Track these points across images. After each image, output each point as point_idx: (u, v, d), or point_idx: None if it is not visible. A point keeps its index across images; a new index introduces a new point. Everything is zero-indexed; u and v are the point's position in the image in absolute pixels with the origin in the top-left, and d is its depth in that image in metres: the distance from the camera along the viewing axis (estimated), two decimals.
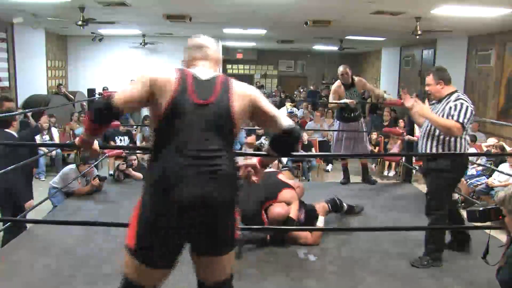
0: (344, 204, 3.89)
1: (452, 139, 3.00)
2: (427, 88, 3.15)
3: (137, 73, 1.77)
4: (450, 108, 2.93)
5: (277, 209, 3.26)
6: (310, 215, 3.52)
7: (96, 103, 1.82)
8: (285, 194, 3.38)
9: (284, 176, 3.67)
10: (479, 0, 5.30)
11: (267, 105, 1.85)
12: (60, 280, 2.73)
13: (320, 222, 3.51)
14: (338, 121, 5.29)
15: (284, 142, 1.91)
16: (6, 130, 3.87)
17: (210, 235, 1.73)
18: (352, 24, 7.88)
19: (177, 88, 1.70)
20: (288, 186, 3.47)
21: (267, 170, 3.52)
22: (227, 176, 1.73)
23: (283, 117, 1.88)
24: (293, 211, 3.34)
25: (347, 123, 5.15)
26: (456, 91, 3.06)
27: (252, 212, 3.24)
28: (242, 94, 1.79)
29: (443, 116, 2.95)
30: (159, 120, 1.70)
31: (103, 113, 1.72)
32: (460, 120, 2.87)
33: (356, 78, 5.16)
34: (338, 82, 5.18)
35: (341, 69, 5.10)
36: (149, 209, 1.69)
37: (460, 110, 2.89)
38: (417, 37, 7.24)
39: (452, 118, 2.88)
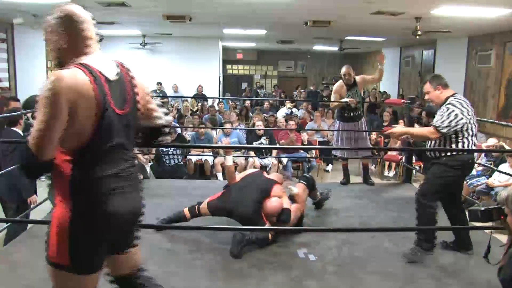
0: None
1: (454, 140, 3.02)
2: (426, 96, 3.24)
3: (44, 91, 1.52)
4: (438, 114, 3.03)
5: (271, 203, 3.33)
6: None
7: (22, 162, 1.58)
8: (276, 189, 3.47)
9: (267, 174, 3.78)
10: (479, 0, 5.30)
11: (151, 98, 1.88)
12: None
13: (294, 188, 3.65)
14: (338, 121, 5.29)
15: (159, 135, 1.95)
16: (13, 128, 4.03)
17: (133, 235, 1.87)
18: (352, 24, 7.88)
19: (98, 98, 1.50)
20: (275, 182, 3.57)
21: (252, 171, 3.59)
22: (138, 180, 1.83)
23: (161, 113, 1.92)
24: (286, 202, 3.44)
25: (348, 123, 5.15)
26: (453, 95, 3.12)
27: (252, 212, 3.27)
28: (141, 88, 1.75)
29: None
30: (84, 137, 1.52)
31: (35, 171, 1.57)
32: (436, 124, 2.97)
33: (357, 78, 5.16)
34: (340, 82, 5.18)
35: (344, 69, 5.10)
36: (85, 222, 1.59)
37: (442, 115, 2.98)
38: (417, 37, 7.23)
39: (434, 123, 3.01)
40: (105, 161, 1.59)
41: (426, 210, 3.05)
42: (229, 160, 3.72)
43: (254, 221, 3.24)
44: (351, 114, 5.11)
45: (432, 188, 3.09)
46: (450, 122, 2.96)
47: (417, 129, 3.09)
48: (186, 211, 3.50)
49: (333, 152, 5.48)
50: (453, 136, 3.05)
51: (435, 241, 3.13)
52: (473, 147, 3.07)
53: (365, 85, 5.46)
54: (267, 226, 3.32)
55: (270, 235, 3.30)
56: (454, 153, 3.06)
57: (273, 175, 3.84)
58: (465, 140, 3.04)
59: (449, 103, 3.02)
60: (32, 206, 3.99)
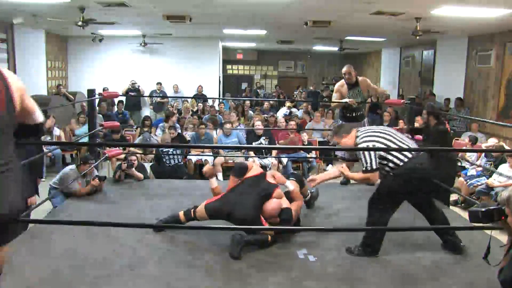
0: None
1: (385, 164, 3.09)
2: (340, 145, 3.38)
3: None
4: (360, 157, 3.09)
5: (270, 204, 3.34)
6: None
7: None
8: (277, 192, 3.45)
9: (269, 177, 3.71)
10: (479, 0, 5.31)
11: (28, 98, 1.95)
12: (60, 280, 2.73)
13: (290, 184, 3.65)
14: (341, 121, 5.29)
15: (33, 132, 2.07)
16: None
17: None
18: (352, 24, 7.88)
19: None
20: (276, 186, 3.54)
21: (254, 172, 3.55)
22: None
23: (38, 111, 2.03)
24: (285, 202, 3.45)
25: (351, 122, 5.14)
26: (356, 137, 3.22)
27: (251, 217, 3.24)
28: (18, 89, 1.83)
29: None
30: None
31: None
32: (365, 168, 3.04)
33: (360, 78, 5.15)
34: (341, 82, 5.17)
35: (344, 68, 5.11)
36: None
37: (363, 158, 3.04)
38: (417, 37, 7.24)
39: (363, 166, 3.06)
40: None
41: (378, 223, 3.13)
42: (213, 183, 3.68)
43: (254, 225, 3.24)
44: (353, 114, 5.10)
45: (379, 196, 3.18)
46: (372, 160, 3.02)
47: (356, 176, 3.20)
48: (181, 214, 3.44)
49: (336, 152, 5.46)
50: (384, 162, 3.08)
51: (378, 248, 3.15)
52: (404, 158, 3.04)
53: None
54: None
55: (269, 237, 3.29)
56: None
57: (272, 174, 3.81)
58: (393, 158, 3.05)
59: (362, 142, 3.12)
60: (32, 206, 3.97)
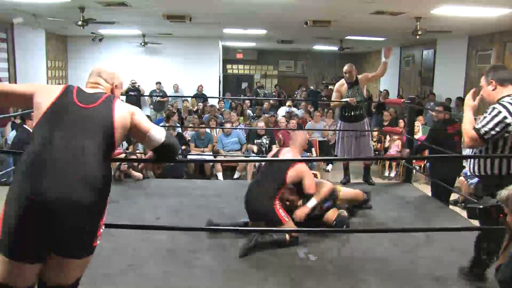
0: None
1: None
2: (481, 92, 2.69)
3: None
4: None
5: (297, 213, 3.36)
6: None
7: None
8: (291, 173, 3.34)
9: (286, 149, 3.62)
10: (479, 0, 5.30)
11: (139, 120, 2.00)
12: None
13: (310, 203, 3.42)
14: (340, 121, 5.28)
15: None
16: (24, 126, 4.17)
17: (63, 235, 1.72)
18: (352, 24, 7.88)
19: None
20: (290, 166, 3.36)
21: (272, 151, 3.50)
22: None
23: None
24: (308, 183, 3.36)
25: (349, 123, 5.13)
26: (508, 96, 2.52)
27: (265, 208, 3.25)
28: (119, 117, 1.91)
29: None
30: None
31: None
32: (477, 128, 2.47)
33: (359, 76, 5.13)
34: (341, 81, 5.16)
35: (346, 67, 5.09)
36: (11, 200, 1.70)
37: (484, 118, 2.47)
38: (417, 37, 7.24)
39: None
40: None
41: None
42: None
43: (268, 218, 3.22)
44: (352, 113, 5.07)
45: None
46: (494, 125, 2.44)
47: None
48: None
49: (336, 151, 5.45)
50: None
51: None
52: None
53: (368, 84, 5.37)
54: (284, 225, 3.25)
55: (287, 237, 3.25)
56: None
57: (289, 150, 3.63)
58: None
59: (494, 107, 2.49)
60: None
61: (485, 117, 2.46)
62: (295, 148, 3.62)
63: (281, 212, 3.30)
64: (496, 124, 2.41)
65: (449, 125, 4.72)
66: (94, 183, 1.76)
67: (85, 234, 1.78)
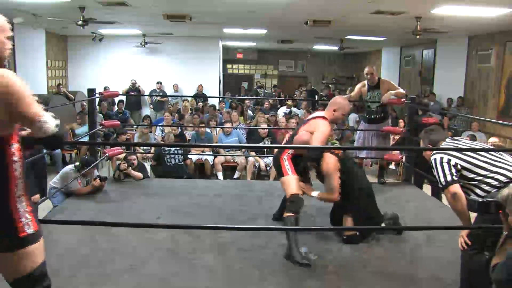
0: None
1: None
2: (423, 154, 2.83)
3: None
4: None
5: (301, 137, 3.31)
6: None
7: None
8: (302, 132, 3.35)
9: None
10: (479, 0, 5.30)
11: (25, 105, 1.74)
12: (61, 280, 2.72)
13: (315, 193, 3.40)
14: (363, 122, 5.39)
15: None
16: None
17: None
18: (352, 24, 7.88)
19: None
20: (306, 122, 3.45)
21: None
22: None
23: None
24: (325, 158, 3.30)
25: (371, 124, 5.22)
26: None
27: (275, 156, 3.34)
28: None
29: None
30: None
31: None
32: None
33: (382, 80, 5.16)
34: (363, 82, 5.21)
35: (366, 69, 5.14)
36: None
37: (438, 176, 2.50)
38: (417, 37, 7.24)
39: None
40: None
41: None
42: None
43: (275, 164, 3.32)
44: (372, 116, 5.15)
45: None
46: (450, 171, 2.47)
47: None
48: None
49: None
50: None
51: None
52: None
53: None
54: (284, 177, 3.22)
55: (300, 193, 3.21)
56: None
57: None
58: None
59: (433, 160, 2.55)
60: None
61: (438, 174, 2.48)
62: (329, 113, 3.43)
63: (286, 164, 3.27)
64: (448, 170, 2.45)
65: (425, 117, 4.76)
66: None
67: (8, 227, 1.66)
